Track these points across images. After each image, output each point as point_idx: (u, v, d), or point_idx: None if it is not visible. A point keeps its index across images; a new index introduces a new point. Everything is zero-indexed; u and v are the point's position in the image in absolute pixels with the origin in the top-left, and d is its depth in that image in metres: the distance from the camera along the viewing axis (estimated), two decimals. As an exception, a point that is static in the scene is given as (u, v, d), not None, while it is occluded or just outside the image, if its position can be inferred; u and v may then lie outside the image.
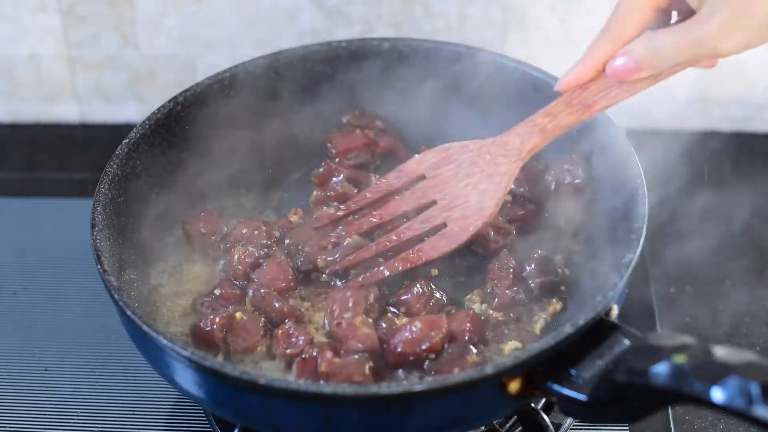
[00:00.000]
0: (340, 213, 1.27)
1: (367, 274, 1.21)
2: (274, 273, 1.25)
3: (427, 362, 1.14)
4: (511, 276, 1.24)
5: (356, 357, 1.13)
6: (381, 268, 1.21)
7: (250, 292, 1.23)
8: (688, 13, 1.05)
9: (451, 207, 1.20)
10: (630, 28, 1.06)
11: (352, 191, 1.34)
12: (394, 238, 1.22)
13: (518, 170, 1.19)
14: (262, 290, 1.22)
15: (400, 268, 1.21)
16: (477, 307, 1.24)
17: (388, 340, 1.16)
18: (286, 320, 1.20)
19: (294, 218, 1.37)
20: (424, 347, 1.14)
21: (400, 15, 1.63)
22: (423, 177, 1.22)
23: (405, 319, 1.19)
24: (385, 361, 1.15)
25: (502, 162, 1.18)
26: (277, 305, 1.21)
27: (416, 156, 1.25)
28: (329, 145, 1.42)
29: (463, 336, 1.17)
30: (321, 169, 1.37)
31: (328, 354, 1.12)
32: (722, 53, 1.02)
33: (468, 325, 1.17)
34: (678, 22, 1.06)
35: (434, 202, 1.21)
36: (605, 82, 1.12)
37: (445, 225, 1.20)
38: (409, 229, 1.21)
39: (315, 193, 1.37)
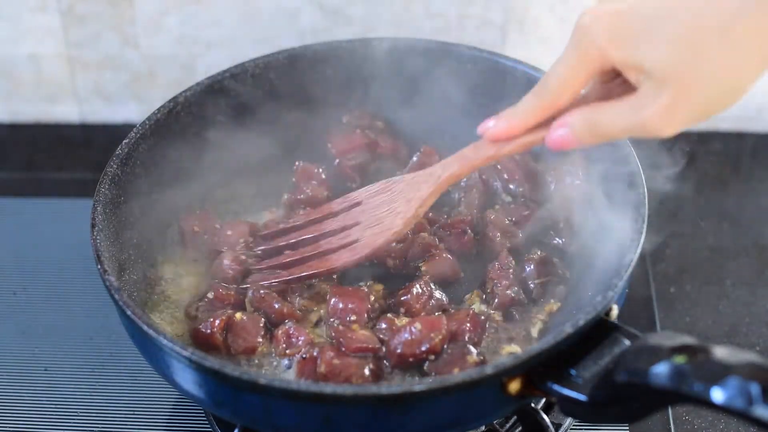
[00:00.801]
0: (282, 226, 1.32)
1: (270, 277, 1.25)
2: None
3: (426, 363, 1.14)
4: (511, 276, 1.24)
5: (356, 358, 1.13)
6: (286, 272, 1.25)
7: (250, 293, 1.23)
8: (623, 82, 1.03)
9: (368, 227, 1.25)
10: (566, 95, 1.04)
11: (322, 194, 1.36)
12: (311, 249, 1.27)
13: (434, 195, 1.21)
14: (262, 291, 1.22)
15: (304, 273, 1.25)
16: (476, 307, 1.24)
17: (388, 341, 1.16)
18: (286, 320, 1.20)
19: (272, 216, 1.38)
20: (423, 348, 1.14)
21: (400, 15, 1.63)
22: (359, 203, 1.28)
23: (405, 320, 1.19)
24: (385, 362, 1.16)
25: (421, 188, 1.22)
26: (276, 306, 1.21)
27: (364, 188, 1.30)
28: (329, 145, 1.43)
29: (463, 336, 1.17)
30: (302, 163, 1.39)
31: (329, 354, 1.12)
32: (663, 135, 1.00)
33: (468, 324, 1.17)
34: (617, 92, 1.03)
35: (357, 224, 1.26)
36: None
37: (356, 240, 1.25)
38: (328, 243, 1.27)
39: (286, 195, 1.38)
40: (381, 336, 1.17)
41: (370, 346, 1.15)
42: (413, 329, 1.15)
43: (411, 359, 1.14)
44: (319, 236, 1.27)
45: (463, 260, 1.30)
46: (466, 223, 1.31)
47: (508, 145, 1.10)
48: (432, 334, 1.14)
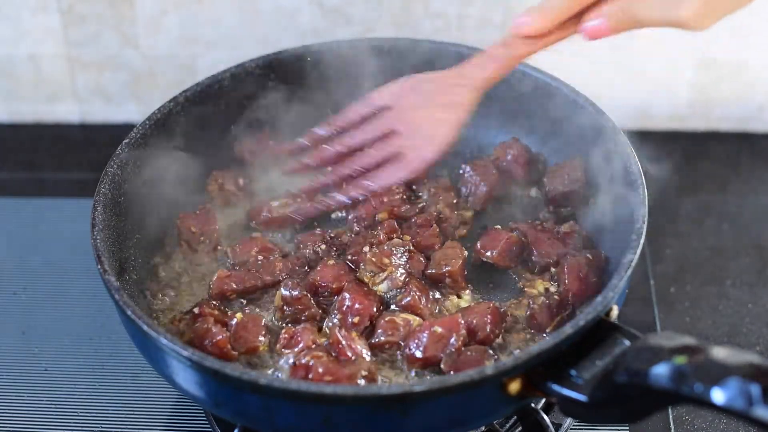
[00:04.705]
0: (306, 141, 1.27)
1: (321, 200, 1.24)
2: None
3: (444, 361, 1.14)
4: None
5: (348, 368, 1.12)
6: (335, 194, 1.23)
7: (284, 290, 1.21)
8: None
9: (408, 136, 1.19)
10: None
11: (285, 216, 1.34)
12: (352, 165, 1.22)
13: (474, 100, 1.17)
14: (297, 291, 1.22)
15: (353, 194, 1.21)
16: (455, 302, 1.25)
17: (406, 343, 1.16)
18: (300, 323, 1.20)
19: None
20: (448, 352, 1.14)
21: (400, 15, 1.63)
22: (388, 107, 1.22)
23: (415, 319, 1.19)
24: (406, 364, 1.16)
25: (458, 92, 1.17)
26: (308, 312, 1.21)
27: (384, 86, 1.24)
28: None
29: (484, 328, 1.17)
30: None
31: (319, 368, 1.11)
32: (699, 29, 1.04)
33: (489, 317, 1.17)
34: None
35: (394, 132, 1.21)
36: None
37: (402, 153, 1.20)
38: (367, 156, 1.21)
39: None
40: (389, 337, 1.17)
41: (363, 356, 1.15)
42: (433, 331, 1.15)
43: (431, 363, 1.14)
44: (355, 149, 1.21)
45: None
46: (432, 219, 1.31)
47: (540, 41, 1.11)
48: (453, 337, 1.14)
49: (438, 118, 1.17)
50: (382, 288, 1.23)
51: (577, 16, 1.09)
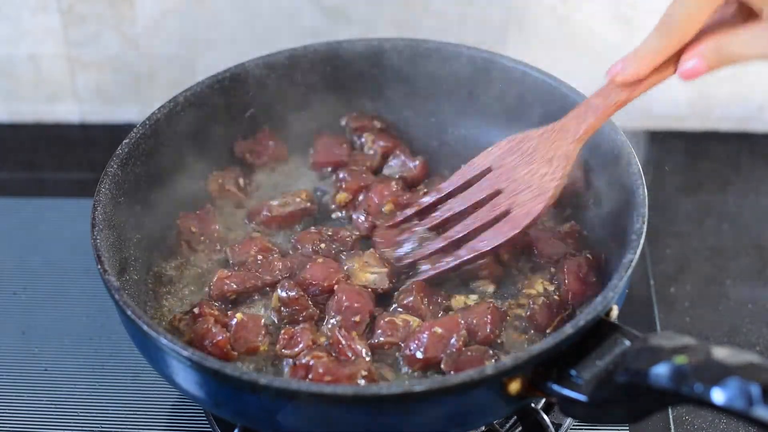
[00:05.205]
0: (412, 210, 1.30)
1: (436, 265, 1.23)
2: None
3: (444, 361, 1.14)
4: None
5: (348, 368, 1.12)
6: (449, 259, 1.23)
7: (280, 291, 1.21)
8: (746, 10, 1.07)
9: (514, 194, 1.22)
10: (693, 30, 1.07)
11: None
12: (461, 229, 1.24)
13: (576, 152, 1.20)
14: (293, 291, 1.22)
15: (466, 258, 1.22)
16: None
17: (406, 344, 1.16)
18: (299, 324, 1.20)
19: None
20: (448, 352, 1.14)
21: (400, 15, 1.63)
22: (490, 169, 1.25)
23: (415, 320, 1.19)
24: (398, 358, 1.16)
25: (560, 145, 1.20)
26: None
27: (485, 151, 1.27)
28: (311, 150, 1.43)
29: (484, 328, 1.17)
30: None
31: (319, 369, 1.11)
32: None
33: (489, 317, 1.17)
34: (739, 20, 1.07)
35: (500, 192, 1.23)
36: None
37: (509, 212, 1.21)
38: (476, 219, 1.23)
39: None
40: (389, 338, 1.17)
41: (362, 356, 1.15)
42: (433, 332, 1.15)
43: (431, 363, 1.14)
44: (462, 213, 1.23)
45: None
46: None
47: (639, 87, 1.11)
48: (453, 338, 1.14)
49: (542, 173, 1.20)
50: (369, 279, 1.23)
51: (674, 57, 1.09)
